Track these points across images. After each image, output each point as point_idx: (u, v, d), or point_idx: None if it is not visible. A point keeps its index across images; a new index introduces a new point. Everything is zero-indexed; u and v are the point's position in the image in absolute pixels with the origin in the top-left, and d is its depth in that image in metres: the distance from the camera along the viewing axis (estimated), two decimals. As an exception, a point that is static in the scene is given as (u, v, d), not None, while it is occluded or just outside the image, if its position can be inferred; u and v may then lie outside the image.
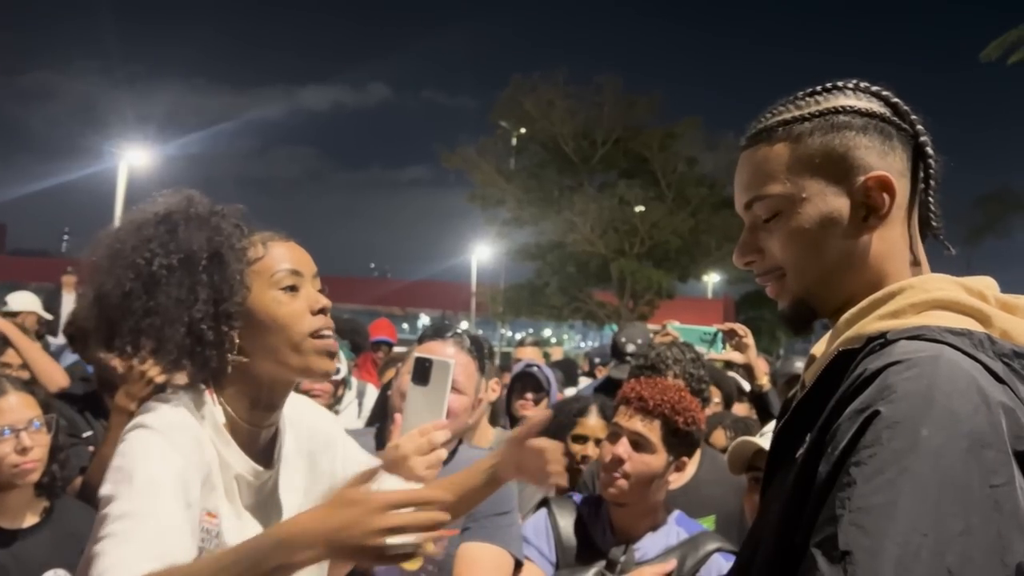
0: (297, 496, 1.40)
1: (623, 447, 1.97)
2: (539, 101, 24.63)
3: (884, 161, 0.99)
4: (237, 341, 1.30)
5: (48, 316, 6.12)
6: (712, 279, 32.11)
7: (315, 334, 1.32)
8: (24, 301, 5.86)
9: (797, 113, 1.02)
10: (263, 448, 1.37)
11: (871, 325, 0.94)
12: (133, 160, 21.96)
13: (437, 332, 1.94)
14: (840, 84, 1.03)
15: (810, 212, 1.00)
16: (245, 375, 1.31)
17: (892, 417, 0.80)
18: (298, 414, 1.48)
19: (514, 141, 26.56)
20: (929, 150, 1.02)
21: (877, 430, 0.80)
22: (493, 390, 2.59)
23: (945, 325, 0.89)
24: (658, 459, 1.97)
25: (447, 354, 1.79)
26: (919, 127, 1.02)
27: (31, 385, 2.20)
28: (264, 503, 1.35)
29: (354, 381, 3.98)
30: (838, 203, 0.99)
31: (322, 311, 1.35)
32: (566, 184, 25.52)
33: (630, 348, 3.84)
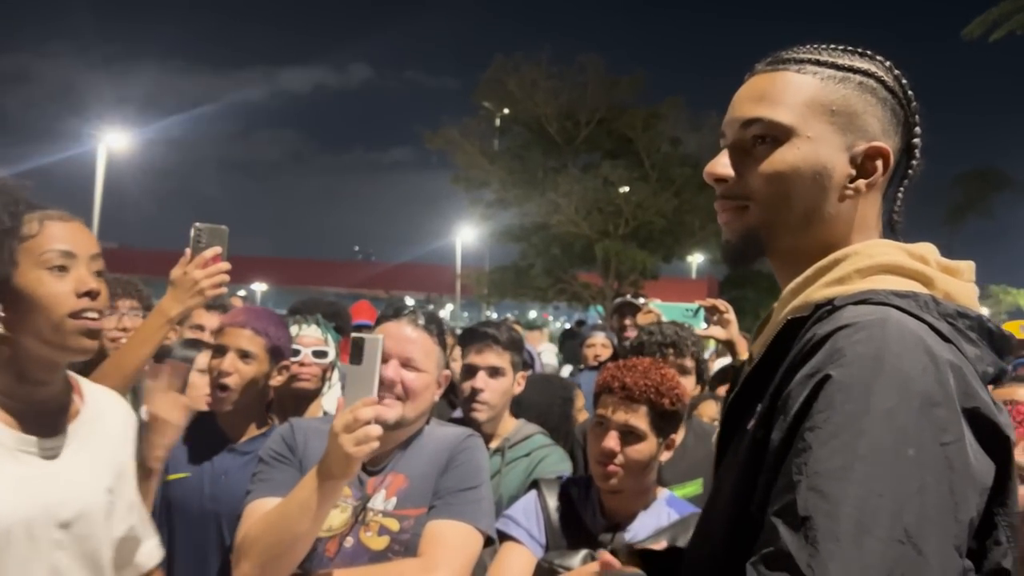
0: (89, 470, 1.46)
1: (613, 440, 1.94)
2: (522, 81, 24.46)
3: (887, 138, 1.01)
4: (3, 314, 1.36)
5: None
6: (696, 259, 32.21)
7: (76, 315, 1.39)
8: None
9: (831, 59, 1.02)
10: (45, 421, 1.42)
11: (818, 292, 0.96)
12: (112, 144, 21.68)
13: (395, 313, 1.93)
14: (877, 56, 1.05)
15: (807, 153, 1.00)
16: (10, 349, 1.37)
17: (844, 380, 0.81)
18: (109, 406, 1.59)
19: (497, 122, 26.41)
20: (918, 152, 1.05)
21: (829, 394, 0.81)
22: (519, 384, 2.59)
23: (890, 288, 0.92)
24: (649, 445, 1.96)
25: (404, 334, 1.84)
26: (917, 127, 1.05)
27: None
28: (47, 472, 1.40)
29: (340, 364, 3.99)
30: (835, 157, 1.00)
31: (88, 294, 1.41)
32: (550, 165, 25.42)
33: None
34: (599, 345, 5.12)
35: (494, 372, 2.51)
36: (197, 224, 2.15)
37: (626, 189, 23.57)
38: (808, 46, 1.05)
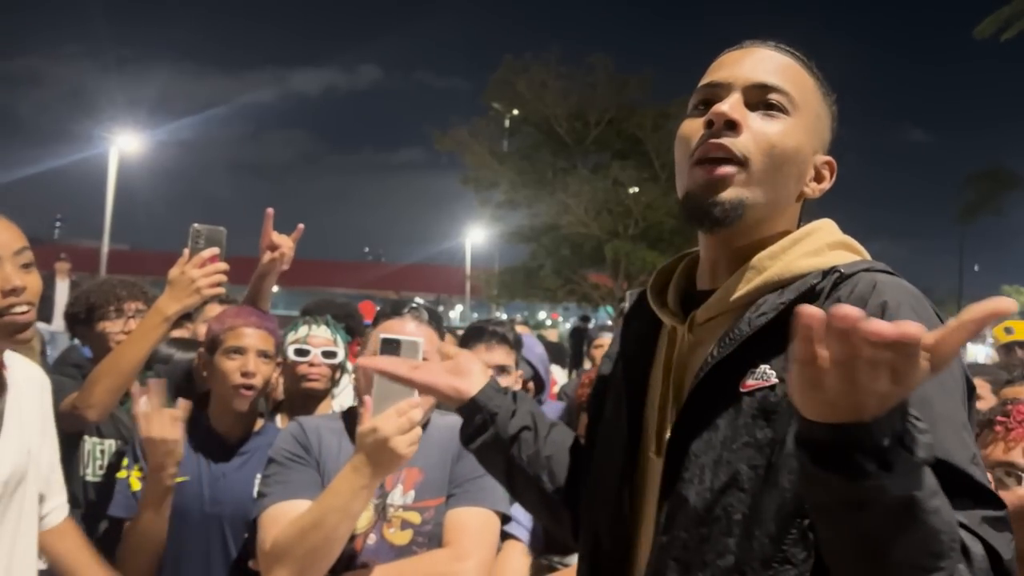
0: (17, 435, 1.59)
1: None
2: (531, 82, 24.47)
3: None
4: None
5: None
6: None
7: (1, 313, 1.46)
8: None
9: (815, 71, 1.12)
10: None
11: (800, 262, 1.04)
12: (124, 145, 21.81)
13: (395, 310, 1.92)
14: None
15: (800, 139, 1.06)
16: None
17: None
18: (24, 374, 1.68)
19: (507, 123, 26.43)
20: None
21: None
22: (517, 383, 2.62)
23: (867, 260, 1.06)
24: None
25: (408, 330, 1.82)
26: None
27: None
28: None
29: (349, 365, 4.00)
30: (809, 155, 1.09)
31: (13, 291, 1.47)
32: (560, 166, 25.42)
33: None
34: (606, 346, 5.17)
35: (501, 370, 2.53)
36: (195, 225, 2.17)
37: (636, 189, 23.53)
38: (794, 46, 1.12)
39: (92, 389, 2.17)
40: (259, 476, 1.92)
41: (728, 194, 1.03)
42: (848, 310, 0.66)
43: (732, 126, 1.03)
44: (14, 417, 1.59)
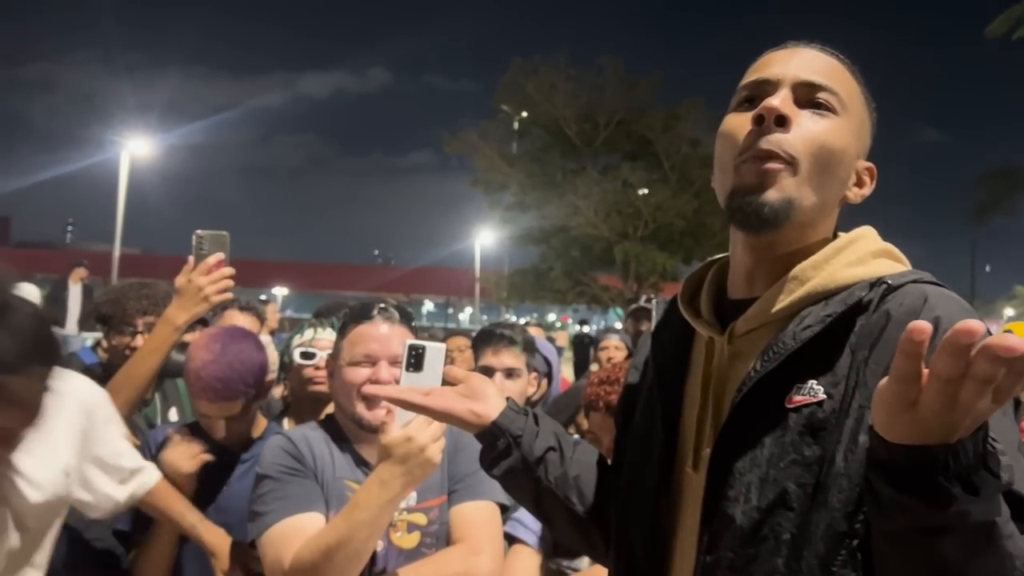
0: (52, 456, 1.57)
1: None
2: (541, 84, 24.50)
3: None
4: None
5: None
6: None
7: None
8: (26, 293, 5.86)
9: (859, 76, 1.09)
10: None
11: (844, 272, 1.01)
12: (135, 150, 21.95)
13: (363, 313, 1.83)
14: None
15: (846, 141, 1.04)
16: None
17: None
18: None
19: (516, 125, 26.45)
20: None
21: None
22: (531, 384, 2.61)
23: (913, 270, 1.03)
24: None
25: (382, 332, 1.79)
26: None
27: None
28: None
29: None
30: (853, 158, 1.07)
31: None
32: (569, 167, 25.42)
33: None
34: (612, 348, 5.12)
35: (510, 373, 2.52)
36: (198, 231, 2.16)
37: (645, 191, 23.50)
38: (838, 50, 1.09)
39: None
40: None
41: (777, 192, 0.99)
42: (972, 325, 0.64)
43: (782, 121, 1.00)
44: (45, 442, 1.55)
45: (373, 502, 1.55)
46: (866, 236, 1.07)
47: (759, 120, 1.00)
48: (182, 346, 2.50)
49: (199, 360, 2.07)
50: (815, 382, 0.95)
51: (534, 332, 5.76)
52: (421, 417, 1.51)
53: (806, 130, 1.01)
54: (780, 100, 1.00)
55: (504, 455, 1.20)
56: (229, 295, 2.20)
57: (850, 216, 1.11)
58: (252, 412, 2.21)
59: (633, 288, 23.91)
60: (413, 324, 1.88)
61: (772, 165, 0.99)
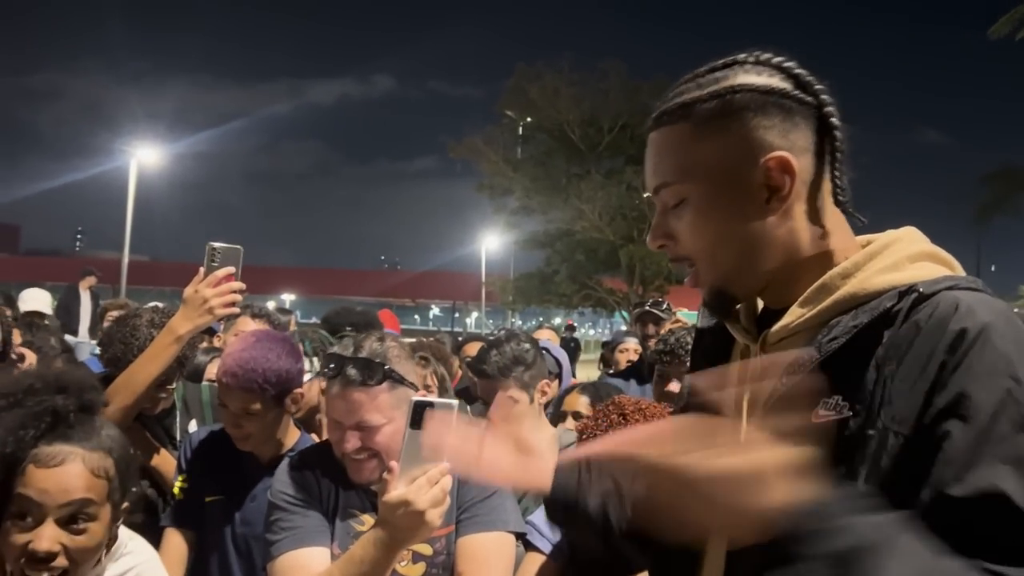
0: None
1: None
2: (544, 89, 24.56)
3: (786, 139, 0.97)
4: None
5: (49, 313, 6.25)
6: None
7: None
8: (35, 299, 5.97)
9: (697, 94, 0.99)
10: None
11: (876, 279, 0.95)
12: (143, 158, 22.05)
13: (328, 371, 1.72)
14: (740, 58, 1.01)
15: (712, 199, 0.99)
16: None
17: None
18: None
19: (520, 130, 26.51)
20: (834, 121, 0.99)
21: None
22: (544, 392, 2.59)
23: (951, 275, 0.95)
24: None
25: (342, 402, 1.68)
26: (824, 97, 0.99)
27: None
28: None
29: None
30: (739, 188, 0.98)
31: (36, 557, 1.29)
32: (573, 172, 25.48)
33: None
34: (632, 351, 5.17)
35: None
36: (212, 243, 2.16)
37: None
38: (680, 84, 1.03)
39: (106, 410, 2.20)
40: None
41: (707, 296, 1.05)
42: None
43: (664, 247, 1.05)
44: None
45: (368, 560, 1.52)
46: (903, 239, 0.99)
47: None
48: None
49: (230, 348, 2.11)
50: (841, 398, 0.90)
51: (546, 335, 5.81)
52: (424, 478, 1.46)
53: (679, 233, 1.03)
54: (654, 237, 1.06)
55: (570, 517, 1.18)
56: (235, 309, 2.21)
57: (875, 218, 1.06)
58: (277, 420, 2.14)
59: (639, 291, 23.92)
60: (408, 328, 1.81)
61: (691, 281, 1.05)
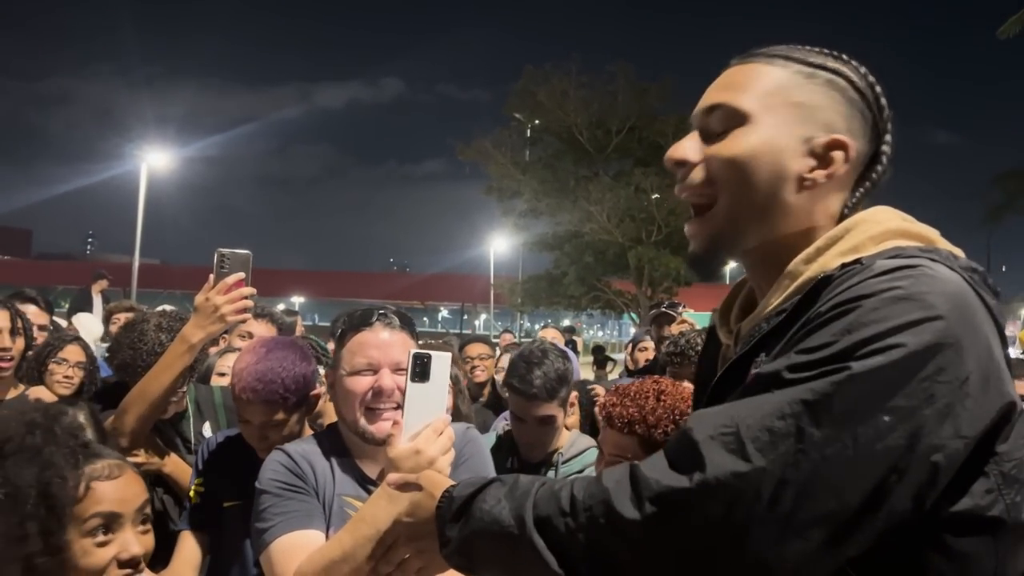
0: None
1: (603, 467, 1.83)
2: (552, 92, 24.56)
3: (852, 137, 1.01)
4: None
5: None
6: (730, 265, 31.83)
7: None
8: (86, 326, 5.77)
9: (803, 56, 1.03)
10: None
11: (834, 261, 0.96)
12: (153, 162, 22.18)
13: (363, 320, 1.77)
14: (848, 58, 1.05)
15: (764, 139, 1.00)
16: None
17: (878, 309, 0.84)
18: None
19: (528, 132, 26.51)
20: (885, 159, 1.04)
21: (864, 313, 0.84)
22: (572, 404, 2.62)
23: (903, 245, 0.94)
24: None
25: (384, 339, 1.74)
26: (888, 136, 1.04)
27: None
28: None
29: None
30: (793, 146, 1.00)
31: (130, 563, 1.33)
32: (582, 174, 25.47)
33: None
34: (651, 350, 5.20)
35: (543, 421, 2.49)
36: (221, 250, 2.15)
37: (658, 196, 23.49)
38: (785, 45, 1.06)
39: (123, 419, 2.23)
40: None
41: (702, 245, 1.04)
42: None
43: (681, 164, 1.04)
44: None
45: (379, 517, 1.49)
46: (870, 220, 0.99)
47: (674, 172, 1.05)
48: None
49: (243, 361, 2.07)
50: (764, 355, 0.94)
51: (551, 334, 5.82)
52: (430, 428, 1.49)
53: (707, 157, 1.02)
54: (675, 147, 1.04)
55: None
56: (247, 316, 2.20)
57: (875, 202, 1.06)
58: (295, 424, 2.13)
59: (647, 293, 23.89)
60: (417, 331, 1.83)
61: (689, 229, 1.06)
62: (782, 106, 1.01)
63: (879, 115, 1.03)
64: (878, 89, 1.04)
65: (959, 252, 0.98)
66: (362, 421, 1.71)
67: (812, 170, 1.00)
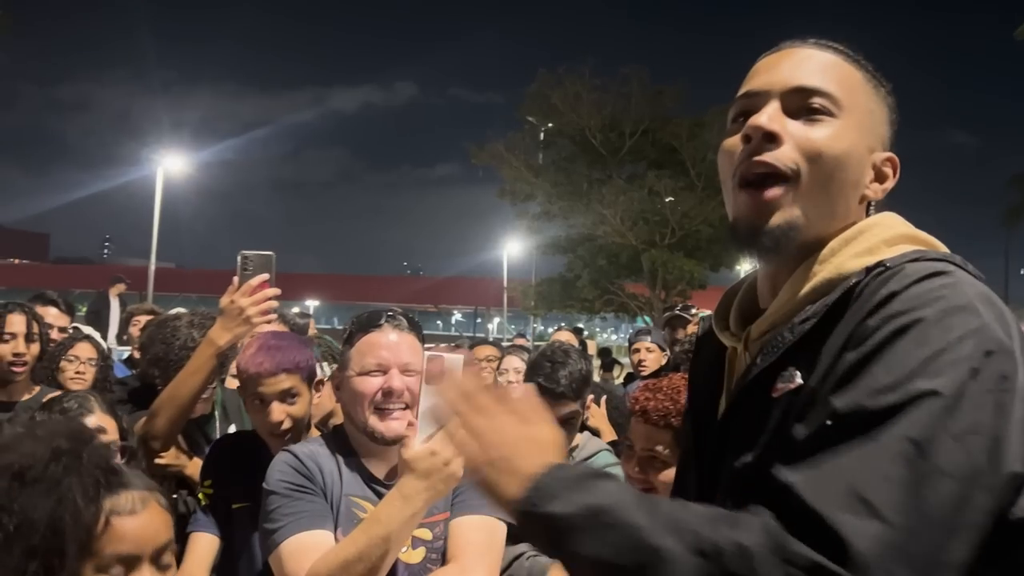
0: None
1: (634, 468, 1.85)
2: (566, 94, 24.53)
3: (890, 151, 1.03)
4: None
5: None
6: (744, 268, 31.77)
7: None
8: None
9: (865, 63, 1.02)
10: None
11: (850, 263, 0.94)
12: (169, 167, 22.35)
13: (371, 321, 1.79)
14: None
15: (851, 141, 0.97)
16: None
17: (933, 319, 0.82)
18: None
19: (542, 135, 26.50)
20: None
21: (922, 331, 0.82)
22: (588, 406, 2.67)
23: (922, 248, 0.94)
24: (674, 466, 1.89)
25: (391, 340, 1.76)
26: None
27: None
28: None
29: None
30: (864, 154, 1.00)
31: None
32: (595, 176, 25.42)
33: None
34: (644, 350, 5.15)
35: (567, 420, 2.52)
36: (244, 252, 2.18)
37: (672, 198, 23.42)
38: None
39: (155, 422, 2.27)
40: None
41: (777, 219, 0.96)
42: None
43: (772, 138, 0.96)
44: None
45: (394, 517, 1.52)
46: (882, 223, 0.98)
47: (747, 139, 0.98)
48: None
49: (250, 348, 2.13)
50: (794, 368, 0.91)
51: (565, 336, 5.81)
52: (443, 431, 1.51)
53: (800, 140, 0.96)
54: (767, 116, 0.96)
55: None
56: (272, 317, 2.23)
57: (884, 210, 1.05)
58: (306, 407, 2.14)
59: (661, 296, 23.81)
60: (431, 334, 1.87)
61: (769, 193, 0.96)
62: (861, 110, 1.00)
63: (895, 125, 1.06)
64: (895, 110, 1.06)
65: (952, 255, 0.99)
66: (372, 420, 1.72)
67: (871, 184, 1.01)
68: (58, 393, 2.18)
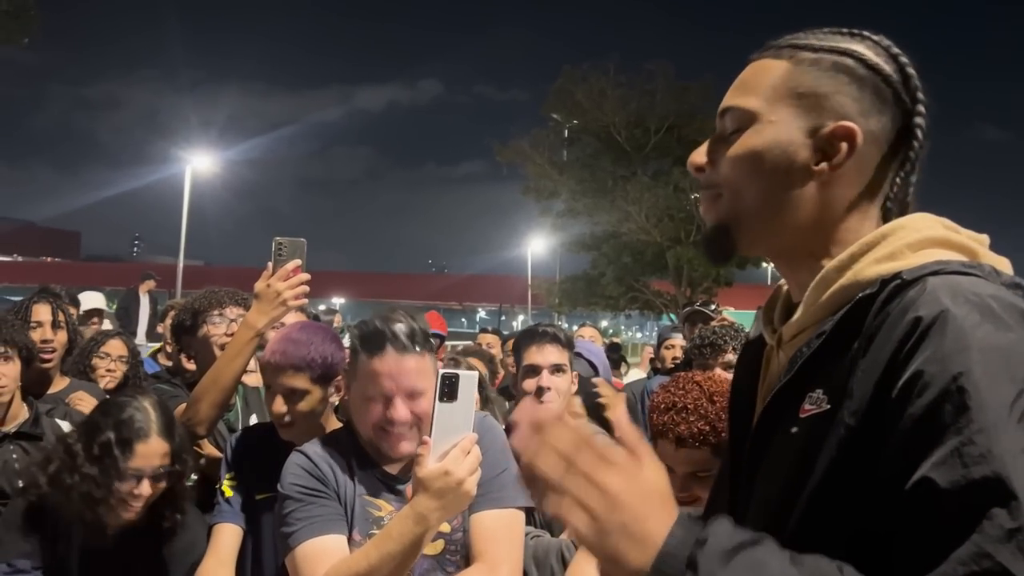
0: None
1: (683, 486, 1.76)
2: (590, 91, 24.48)
3: (864, 119, 0.95)
4: None
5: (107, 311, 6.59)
6: (771, 265, 31.39)
7: None
8: (93, 300, 6.23)
9: (811, 42, 1.00)
10: None
11: (870, 269, 0.92)
12: (198, 165, 22.62)
13: (373, 343, 1.73)
14: (866, 33, 1.00)
15: (768, 137, 0.98)
16: None
17: (983, 365, 0.77)
18: None
19: (566, 133, 26.47)
20: (919, 132, 0.97)
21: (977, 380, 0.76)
22: (574, 383, 2.73)
23: (944, 259, 0.89)
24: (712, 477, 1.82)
25: (391, 369, 1.70)
26: (920, 107, 0.97)
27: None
28: None
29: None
30: (796, 139, 0.97)
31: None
32: (620, 174, 25.32)
33: None
34: (678, 347, 5.14)
35: (556, 369, 2.60)
36: (278, 238, 2.25)
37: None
38: (801, 32, 1.03)
39: (198, 407, 2.31)
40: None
41: (709, 221, 1.03)
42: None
43: (700, 169, 1.04)
44: None
45: (407, 535, 1.53)
46: (907, 226, 0.94)
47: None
48: None
49: (279, 333, 2.15)
50: (821, 391, 0.89)
51: (588, 333, 5.80)
52: (458, 448, 1.50)
53: (722, 159, 1.01)
54: (696, 153, 1.04)
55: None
56: (305, 300, 2.29)
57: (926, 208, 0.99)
58: (321, 405, 2.13)
59: (686, 293, 23.66)
60: (427, 341, 1.78)
61: (703, 207, 1.05)
62: (787, 99, 0.98)
63: (903, 86, 0.97)
64: (903, 59, 0.98)
65: (1005, 263, 0.93)
66: (377, 440, 1.75)
67: (817, 163, 0.96)
68: (121, 398, 2.17)
